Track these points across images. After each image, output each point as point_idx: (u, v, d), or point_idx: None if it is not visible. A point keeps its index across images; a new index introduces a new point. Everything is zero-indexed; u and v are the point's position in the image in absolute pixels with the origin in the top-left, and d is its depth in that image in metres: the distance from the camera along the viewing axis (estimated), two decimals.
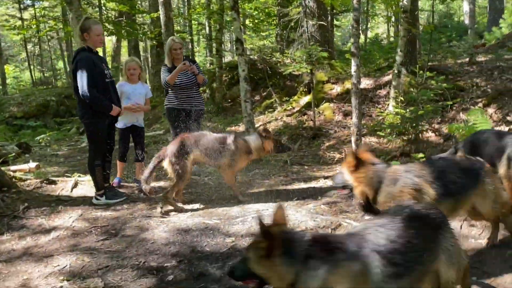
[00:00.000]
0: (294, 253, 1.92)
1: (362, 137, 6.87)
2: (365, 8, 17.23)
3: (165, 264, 3.39)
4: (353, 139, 6.52)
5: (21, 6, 24.28)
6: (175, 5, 22.66)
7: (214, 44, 14.47)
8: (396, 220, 2.10)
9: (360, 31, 10.19)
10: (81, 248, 3.74)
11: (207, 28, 16.42)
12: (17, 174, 5.91)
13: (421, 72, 7.49)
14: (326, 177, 5.82)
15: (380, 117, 8.28)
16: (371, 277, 1.90)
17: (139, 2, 19.32)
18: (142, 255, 3.55)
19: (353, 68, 6.53)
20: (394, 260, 1.94)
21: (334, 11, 12.72)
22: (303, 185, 5.49)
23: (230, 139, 4.80)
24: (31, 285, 3.14)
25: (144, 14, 16.26)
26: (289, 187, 5.48)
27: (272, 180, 5.94)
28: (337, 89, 9.79)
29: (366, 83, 9.59)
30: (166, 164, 4.69)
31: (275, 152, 5.00)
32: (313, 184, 5.56)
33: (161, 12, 10.19)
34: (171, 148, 4.73)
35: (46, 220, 4.44)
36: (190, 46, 18.72)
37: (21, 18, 22.42)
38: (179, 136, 4.93)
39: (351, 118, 7.58)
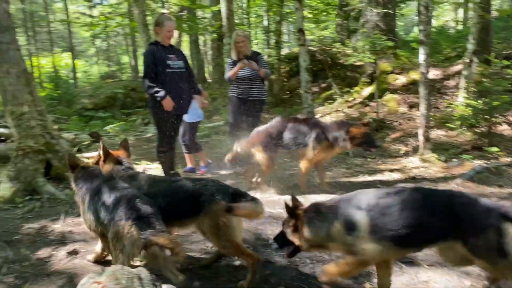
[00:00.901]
0: None
1: (430, 129, 6.56)
2: None
3: None
4: (420, 131, 6.26)
5: (91, 3, 25.71)
6: None
7: (273, 36, 14.45)
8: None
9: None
10: None
11: (266, 21, 16.44)
12: (91, 161, 6.28)
13: (496, 60, 7.00)
14: (391, 170, 5.65)
15: (449, 109, 7.87)
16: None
17: None
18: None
19: (422, 57, 6.25)
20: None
21: None
22: (367, 178, 5.36)
23: (314, 131, 4.72)
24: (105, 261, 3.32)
25: (204, 9, 16.55)
26: (352, 179, 5.37)
27: (334, 172, 5.85)
28: (401, 79, 9.42)
29: (433, 73, 9.14)
30: (255, 151, 4.83)
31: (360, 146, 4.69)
32: (378, 177, 5.41)
33: (222, 5, 10.34)
34: (260, 136, 4.85)
35: None
36: None
37: (90, 16, 23.74)
38: (268, 125, 5.00)
39: (417, 110, 7.28)
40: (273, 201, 4.58)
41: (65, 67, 26.74)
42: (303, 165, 4.82)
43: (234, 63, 5.90)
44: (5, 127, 8.17)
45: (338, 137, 4.57)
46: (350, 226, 2.29)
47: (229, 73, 5.85)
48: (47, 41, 26.89)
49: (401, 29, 26.70)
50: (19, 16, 23.20)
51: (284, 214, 4.00)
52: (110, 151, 3.29)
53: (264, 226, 3.88)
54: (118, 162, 3.24)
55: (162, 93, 4.74)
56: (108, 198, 2.67)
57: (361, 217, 2.28)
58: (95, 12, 25.11)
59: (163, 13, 5.18)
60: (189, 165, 6.27)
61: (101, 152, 3.26)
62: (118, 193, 2.68)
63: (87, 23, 18.05)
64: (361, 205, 2.33)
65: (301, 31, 7.74)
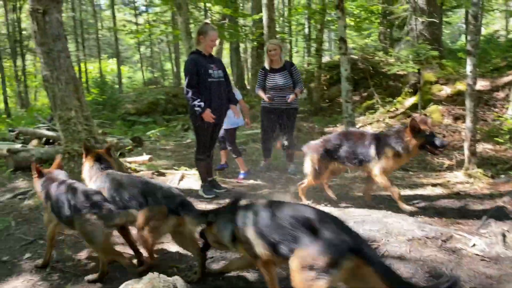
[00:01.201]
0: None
1: (476, 143, 6.28)
2: (481, 3, 15.75)
3: None
4: (465, 144, 6.00)
5: (136, 12, 26.69)
6: (275, 5, 23.01)
7: (313, 44, 14.40)
8: None
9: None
10: None
11: (307, 28, 16.41)
12: (132, 165, 6.48)
13: None
14: (434, 185, 5.44)
15: (498, 122, 7.52)
16: None
17: (241, 5, 19.96)
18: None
19: (469, 68, 6.00)
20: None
21: (443, 7, 11.84)
22: (408, 192, 5.19)
23: (375, 143, 4.35)
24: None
25: (246, 17, 16.74)
26: None
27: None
28: (446, 90, 9.11)
29: (480, 84, 8.77)
30: (307, 160, 4.70)
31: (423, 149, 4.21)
32: (419, 191, 5.23)
33: (264, 13, 10.41)
34: (315, 146, 4.68)
35: None
36: (289, 47, 18.88)
37: (136, 23, 24.61)
38: (325, 137, 4.78)
39: (463, 122, 7.01)
40: None
41: (110, 73, 27.82)
42: (380, 180, 4.35)
43: (265, 74, 6.04)
44: (54, 130, 8.59)
45: (399, 144, 4.19)
46: (241, 231, 2.58)
47: (258, 92, 6.13)
48: (95, 47, 28.11)
49: (447, 37, 25.89)
50: (69, 24, 24.38)
51: None
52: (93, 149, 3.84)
53: None
54: (98, 159, 3.66)
55: (200, 108, 4.80)
56: (68, 195, 3.09)
57: (247, 224, 2.55)
58: (141, 20, 26.05)
59: (206, 23, 5.27)
60: (223, 161, 6.62)
61: (83, 149, 3.78)
62: (77, 191, 3.10)
63: (133, 30, 18.71)
64: (249, 214, 2.58)
65: (342, 40, 7.64)
